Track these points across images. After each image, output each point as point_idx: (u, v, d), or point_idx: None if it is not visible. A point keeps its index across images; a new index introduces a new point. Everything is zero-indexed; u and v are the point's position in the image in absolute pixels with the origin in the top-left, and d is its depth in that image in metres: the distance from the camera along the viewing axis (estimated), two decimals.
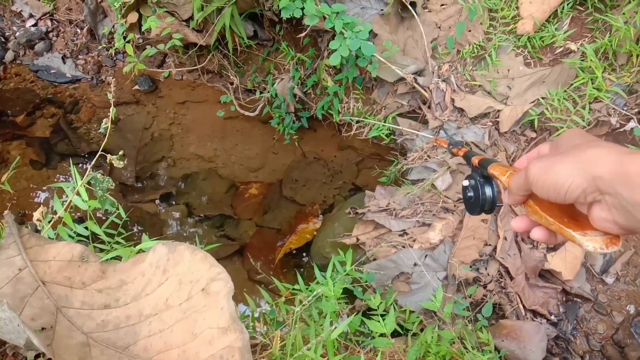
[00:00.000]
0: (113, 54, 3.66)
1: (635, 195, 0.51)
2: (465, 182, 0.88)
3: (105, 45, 3.61)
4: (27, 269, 1.13)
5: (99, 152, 1.36)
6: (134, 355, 1.03)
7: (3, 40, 3.69)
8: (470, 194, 0.86)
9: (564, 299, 2.29)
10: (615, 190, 0.52)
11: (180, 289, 1.10)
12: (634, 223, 0.53)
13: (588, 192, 0.55)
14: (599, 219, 0.56)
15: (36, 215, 1.33)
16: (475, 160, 0.88)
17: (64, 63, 3.64)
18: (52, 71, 3.62)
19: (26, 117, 3.41)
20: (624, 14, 2.35)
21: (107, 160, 1.37)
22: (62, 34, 3.72)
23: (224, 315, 1.00)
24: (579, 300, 2.29)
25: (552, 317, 2.22)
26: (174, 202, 3.10)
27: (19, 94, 3.54)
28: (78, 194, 1.35)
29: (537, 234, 0.68)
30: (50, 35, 3.72)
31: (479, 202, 0.84)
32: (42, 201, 3.06)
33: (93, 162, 1.35)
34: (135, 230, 2.87)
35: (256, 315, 1.77)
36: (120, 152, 1.36)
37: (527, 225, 0.70)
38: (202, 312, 1.03)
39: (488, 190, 0.83)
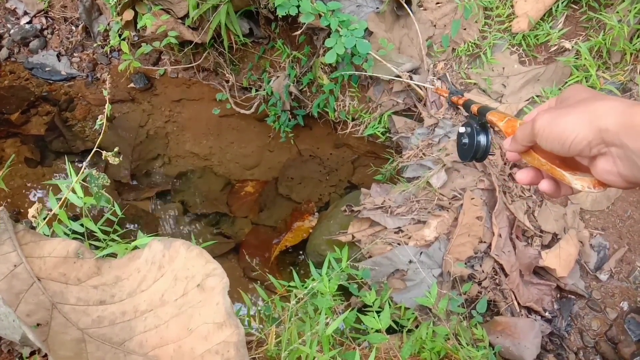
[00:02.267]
0: (108, 52, 3.64)
1: None
2: (462, 129, 0.89)
3: (100, 43, 3.60)
4: (23, 265, 1.13)
5: (94, 149, 1.36)
6: (130, 350, 1.04)
7: None
8: (465, 140, 0.87)
9: (558, 295, 2.31)
10: (622, 141, 0.53)
11: (175, 285, 1.10)
12: (638, 169, 0.54)
13: (593, 144, 0.56)
14: (604, 171, 0.57)
15: (31, 211, 1.33)
16: (474, 108, 0.89)
17: (59, 61, 3.62)
18: (47, 69, 3.60)
19: (21, 115, 3.39)
20: (617, 12, 2.36)
21: (103, 157, 1.37)
22: (57, 32, 3.70)
23: (219, 311, 1.00)
24: (573, 297, 2.30)
25: (547, 314, 2.23)
26: (169, 200, 3.10)
27: (14, 91, 3.52)
28: (73, 190, 1.35)
29: (544, 185, 0.69)
30: (45, 32, 3.71)
31: (473, 148, 0.85)
32: (37, 199, 3.06)
33: (88, 159, 1.35)
34: (130, 228, 2.87)
35: (252, 312, 1.77)
36: (116, 149, 1.36)
37: (532, 177, 0.71)
38: (197, 308, 1.04)
39: (483, 139, 0.85)
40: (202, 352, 0.97)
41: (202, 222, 3.01)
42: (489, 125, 0.86)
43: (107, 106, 1.32)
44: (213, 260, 1.09)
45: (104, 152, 1.35)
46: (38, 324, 1.07)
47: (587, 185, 0.60)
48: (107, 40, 3.55)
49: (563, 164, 0.63)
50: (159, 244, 1.16)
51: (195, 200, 3.08)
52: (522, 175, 0.73)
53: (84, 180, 1.43)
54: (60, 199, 1.44)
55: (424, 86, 2.69)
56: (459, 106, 1.08)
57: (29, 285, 1.12)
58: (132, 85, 3.55)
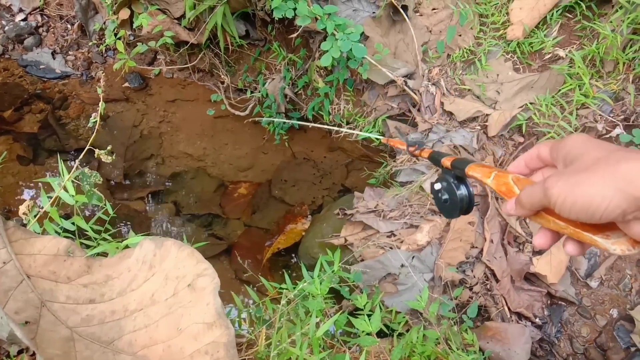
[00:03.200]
0: (103, 51, 3.64)
1: None
2: (437, 185, 0.83)
3: (95, 42, 3.59)
4: (12, 262, 1.12)
5: (87, 147, 1.35)
6: (119, 349, 1.03)
7: None
8: (445, 197, 0.81)
9: (549, 302, 2.32)
10: None
11: (166, 285, 1.10)
12: None
13: (628, 211, 0.51)
14: None
15: (22, 208, 1.32)
16: (446, 162, 0.82)
17: (54, 59, 3.61)
18: (42, 66, 3.59)
19: (14, 112, 3.37)
20: (611, 22, 2.38)
21: (96, 155, 1.37)
22: (52, 29, 3.69)
23: (209, 311, 1.00)
24: (563, 303, 2.31)
25: (537, 320, 2.24)
26: (162, 201, 3.08)
27: (7, 88, 3.50)
28: (65, 188, 1.34)
29: (571, 249, 0.61)
30: (40, 30, 3.69)
31: (457, 204, 0.79)
32: (28, 197, 3.03)
33: (81, 157, 1.35)
34: (122, 228, 2.85)
35: (243, 314, 1.76)
36: (109, 147, 1.36)
37: (552, 239, 0.65)
38: (187, 308, 1.03)
39: (464, 191, 0.79)
40: (192, 352, 0.97)
41: (195, 223, 3.00)
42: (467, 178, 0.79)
43: (101, 104, 1.32)
44: (204, 261, 1.09)
45: (97, 150, 1.34)
46: (27, 322, 1.06)
47: (627, 247, 0.55)
48: (103, 39, 3.54)
49: (587, 226, 0.57)
50: (150, 244, 1.16)
51: (188, 201, 3.07)
52: (542, 241, 0.65)
53: (76, 178, 1.43)
54: (51, 197, 1.43)
55: (418, 91, 2.70)
56: (423, 158, 0.99)
57: (18, 283, 1.11)
58: (126, 84, 3.54)
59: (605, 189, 0.51)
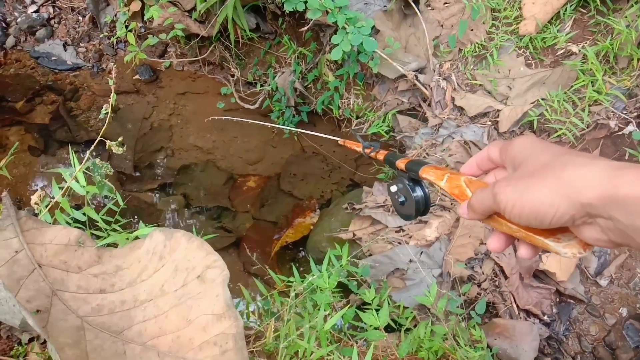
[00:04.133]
0: (114, 43, 3.65)
1: (635, 220, 0.46)
2: (394, 188, 0.82)
3: (107, 34, 3.61)
4: (24, 251, 1.13)
5: (99, 138, 1.36)
6: (129, 339, 1.04)
7: (4, 25, 3.68)
8: (402, 199, 0.80)
9: (558, 299, 2.30)
10: (610, 214, 0.48)
11: (176, 276, 1.10)
12: (633, 240, 0.48)
13: (577, 217, 0.50)
14: (592, 238, 0.52)
15: (34, 198, 1.33)
16: (400, 164, 0.80)
17: (65, 50, 3.63)
18: (53, 58, 3.61)
19: (26, 104, 3.40)
20: (626, 17, 2.35)
21: (107, 147, 1.37)
22: (63, 21, 3.70)
23: (219, 303, 1.00)
24: (572, 301, 2.30)
25: (545, 318, 2.23)
26: (171, 193, 3.10)
27: (19, 80, 3.53)
28: (76, 179, 1.35)
29: (524, 252, 0.60)
30: (52, 22, 3.71)
31: (414, 205, 0.78)
32: (39, 187, 3.06)
33: (92, 148, 1.35)
34: (131, 219, 2.87)
35: (251, 306, 1.77)
36: (120, 139, 1.37)
37: (506, 242, 0.63)
38: (197, 299, 1.04)
39: (419, 192, 0.78)
40: (201, 343, 0.97)
41: (204, 215, 3.01)
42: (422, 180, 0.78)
43: (112, 96, 1.32)
44: (214, 252, 1.09)
45: (108, 142, 1.35)
46: (38, 310, 1.07)
47: (578, 250, 0.54)
48: (114, 31, 3.55)
49: (538, 229, 0.56)
50: (160, 235, 1.16)
51: (197, 194, 3.08)
52: (495, 245, 0.63)
53: (87, 169, 1.44)
54: (63, 187, 1.45)
55: (429, 86, 2.68)
56: (377, 160, 0.97)
57: (29, 272, 1.12)
58: (137, 77, 3.55)
59: (552, 196, 0.50)
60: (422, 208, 0.78)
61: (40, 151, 3.20)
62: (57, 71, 3.59)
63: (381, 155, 0.94)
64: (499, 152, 0.64)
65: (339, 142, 1.32)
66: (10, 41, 3.64)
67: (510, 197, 0.54)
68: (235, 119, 2.42)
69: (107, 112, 1.32)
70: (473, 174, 0.69)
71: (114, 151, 1.34)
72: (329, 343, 1.38)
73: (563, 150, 0.55)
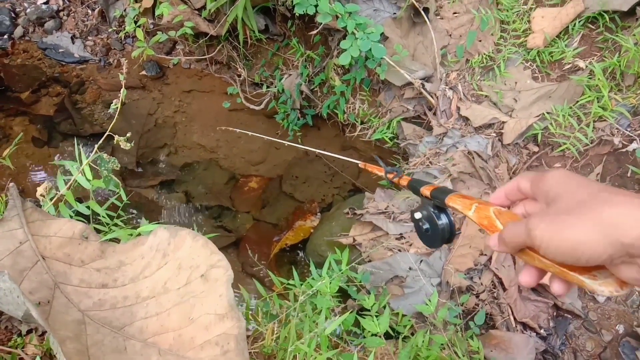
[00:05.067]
0: (123, 38, 3.65)
1: None
2: (418, 214, 0.80)
3: (115, 28, 3.61)
4: (28, 242, 1.13)
5: (107, 132, 1.36)
6: (130, 335, 1.04)
7: (13, 16, 3.68)
8: (426, 226, 0.78)
9: (555, 314, 2.30)
10: None
11: (179, 274, 1.10)
12: None
13: (615, 256, 0.49)
14: (631, 278, 0.51)
15: (40, 190, 1.33)
16: (425, 191, 0.79)
17: (73, 43, 3.63)
18: (61, 50, 3.61)
19: (31, 94, 3.40)
20: (634, 35, 2.36)
21: (115, 142, 1.38)
22: (72, 14, 3.71)
23: (222, 302, 1.00)
24: (569, 316, 2.30)
25: (542, 331, 2.23)
26: (173, 190, 3.10)
27: (26, 70, 3.53)
28: (83, 172, 1.35)
29: (557, 287, 0.59)
30: (61, 14, 3.72)
31: (439, 233, 0.77)
32: (40, 179, 3.06)
33: (100, 142, 1.36)
34: (133, 214, 2.87)
35: (250, 308, 1.77)
36: (128, 134, 1.37)
37: (538, 277, 0.62)
38: (200, 298, 1.04)
39: (444, 220, 0.77)
40: (202, 342, 0.97)
41: (204, 214, 3.01)
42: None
43: (123, 91, 1.33)
44: (218, 252, 1.09)
45: (116, 137, 1.35)
46: (39, 303, 1.07)
47: (614, 289, 0.53)
48: (123, 26, 3.56)
49: (573, 266, 0.54)
50: (164, 232, 1.16)
51: (199, 192, 3.09)
52: (528, 279, 0.62)
53: (93, 162, 1.44)
54: (67, 180, 1.45)
55: (435, 95, 2.69)
56: (401, 186, 0.95)
57: (33, 263, 1.12)
58: (144, 72, 3.55)
59: (590, 235, 0.50)
60: (447, 236, 0.77)
61: (43, 142, 3.20)
62: (63, 63, 3.59)
63: (404, 181, 0.93)
64: (529, 184, 0.63)
65: (359, 165, 1.30)
66: (18, 31, 3.65)
67: (546, 234, 0.53)
68: (250, 133, 2.41)
69: (117, 107, 1.32)
70: (501, 205, 0.68)
71: (122, 146, 1.35)
72: (328, 348, 1.38)
73: (600, 187, 0.55)
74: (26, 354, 1.18)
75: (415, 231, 0.82)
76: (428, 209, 0.78)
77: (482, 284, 2.21)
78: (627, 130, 2.36)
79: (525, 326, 2.23)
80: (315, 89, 3.24)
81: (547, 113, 2.51)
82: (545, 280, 0.62)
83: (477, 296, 2.21)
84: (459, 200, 0.71)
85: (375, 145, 3.14)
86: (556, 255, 0.53)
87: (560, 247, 0.52)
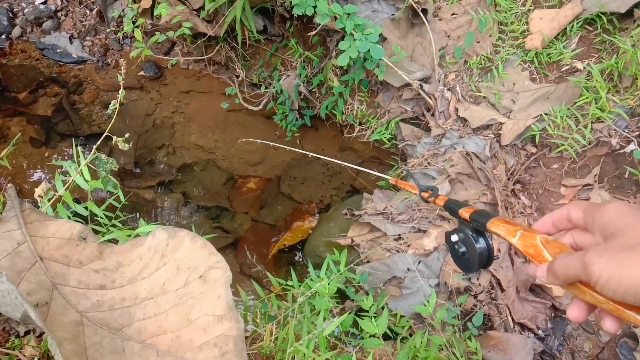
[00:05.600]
0: (121, 38, 3.65)
1: None
2: (454, 237, 0.77)
3: (113, 29, 3.61)
4: (26, 243, 1.13)
5: (105, 133, 1.36)
6: (128, 337, 1.04)
7: (11, 15, 3.68)
8: (463, 249, 0.76)
9: (553, 314, 2.31)
10: None
11: (177, 275, 1.10)
12: None
13: None
14: None
15: (38, 191, 1.33)
16: (464, 213, 0.76)
17: (71, 43, 3.63)
18: (58, 50, 3.61)
19: (29, 95, 3.40)
20: (631, 37, 2.37)
21: (113, 142, 1.37)
22: (71, 14, 3.71)
23: (220, 304, 1.00)
24: (567, 317, 2.30)
25: (540, 332, 2.23)
26: (171, 190, 3.10)
27: (24, 70, 3.53)
28: (81, 173, 1.35)
29: (610, 325, 0.56)
30: (59, 14, 3.71)
31: (476, 258, 0.74)
32: (38, 180, 3.05)
33: (99, 142, 1.35)
34: (130, 215, 2.86)
35: (248, 310, 1.77)
36: (127, 135, 1.37)
37: (587, 311, 0.59)
38: (198, 299, 1.04)
39: (483, 243, 0.74)
40: (201, 343, 0.97)
41: (202, 214, 3.01)
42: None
43: (121, 92, 1.32)
44: (217, 253, 1.09)
45: (114, 138, 1.35)
46: (37, 304, 1.07)
47: None
48: (121, 27, 3.55)
49: (629, 304, 0.52)
50: (163, 233, 1.16)
51: (197, 193, 3.08)
52: (577, 314, 0.59)
53: (91, 163, 1.43)
54: (65, 180, 1.44)
55: (433, 96, 2.69)
56: (437, 205, 0.91)
57: (31, 265, 1.12)
58: (142, 73, 3.55)
59: None
60: (485, 261, 0.74)
61: (41, 143, 3.20)
62: (61, 64, 3.59)
63: (441, 200, 0.89)
64: (582, 214, 0.61)
65: (390, 181, 1.27)
66: (16, 31, 3.64)
67: (606, 270, 0.50)
68: (271, 143, 2.41)
69: (115, 108, 1.32)
70: (547, 232, 0.65)
71: (120, 147, 1.34)
72: (326, 349, 1.38)
73: None
74: (24, 356, 1.18)
75: (449, 254, 0.80)
76: (465, 232, 0.75)
77: (480, 285, 2.22)
78: (624, 131, 2.37)
79: (523, 327, 2.23)
80: (314, 90, 3.24)
81: (545, 114, 2.51)
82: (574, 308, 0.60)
83: (475, 297, 2.21)
84: (502, 226, 0.68)
85: (374, 146, 3.15)
86: (615, 293, 0.51)
87: (621, 285, 0.50)
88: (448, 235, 0.79)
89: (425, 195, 0.97)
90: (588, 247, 0.59)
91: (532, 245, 0.62)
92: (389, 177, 1.28)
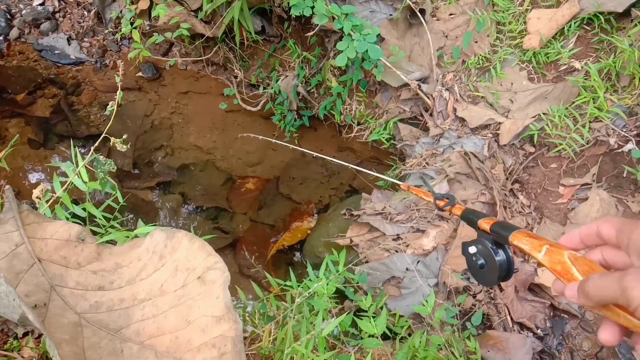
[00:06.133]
0: (119, 39, 3.65)
1: None
2: (472, 249, 0.75)
3: (111, 30, 3.61)
4: (24, 245, 1.13)
5: (103, 134, 1.36)
6: (126, 338, 1.04)
7: (9, 17, 3.67)
8: (481, 261, 0.73)
9: (552, 314, 2.31)
10: None
11: (176, 276, 1.10)
12: None
13: None
14: None
15: (36, 192, 1.33)
16: (484, 225, 0.73)
17: (69, 44, 3.63)
18: (56, 52, 3.60)
19: (27, 96, 3.39)
20: (629, 36, 2.37)
21: (111, 144, 1.37)
22: (68, 15, 3.70)
23: (218, 305, 1.00)
24: (566, 316, 2.31)
25: (539, 331, 2.23)
26: (169, 191, 3.10)
27: (22, 72, 3.52)
28: (79, 174, 1.35)
29: None
30: (57, 15, 3.71)
31: (496, 271, 0.71)
32: (37, 181, 3.05)
33: (97, 144, 1.35)
34: (129, 216, 2.86)
35: (248, 310, 1.77)
36: (124, 136, 1.37)
37: (620, 334, 0.56)
38: (197, 300, 1.04)
39: (502, 256, 0.71)
40: (199, 344, 0.97)
41: (201, 215, 3.01)
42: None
43: (119, 93, 1.32)
44: (215, 254, 1.09)
45: (112, 139, 1.35)
46: (36, 305, 1.07)
47: None
48: (119, 28, 3.55)
49: None
50: (161, 234, 1.16)
51: (196, 193, 3.08)
52: (609, 337, 0.55)
53: (89, 164, 1.43)
54: (64, 182, 1.44)
55: (431, 96, 2.69)
56: (454, 215, 0.88)
57: (29, 266, 1.12)
58: (140, 74, 3.55)
59: None
60: (504, 274, 0.72)
61: (39, 144, 3.19)
62: (59, 65, 3.59)
63: (458, 210, 0.87)
64: (615, 232, 0.58)
65: (401, 186, 1.24)
66: (14, 33, 3.63)
67: None
68: (274, 140, 2.39)
69: (113, 109, 1.32)
70: (574, 248, 0.62)
71: (118, 148, 1.34)
72: (325, 349, 1.38)
73: None
74: (22, 357, 1.17)
75: (467, 266, 0.76)
76: (485, 244, 0.73)
77: (479, 285, 2.22)
78: (622, 130, 2.37)
79: (522, 326, 2.24)
80: (312, 90, 3.24)
81: (543, 114, 2.52)
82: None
83: (474, 297, 2.21)
84: (525, 240, 0.64)
85: (372, 147, 3.15)
86: None
87: None
88: (465, 246, 0.77)
89: (441, 203, 0.94)
90: (622, 267, 0.57)
91: (560, 262, 0.60)
92: (401, 183, 1.26)
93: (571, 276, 0.58)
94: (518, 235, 0.66)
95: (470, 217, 0.79)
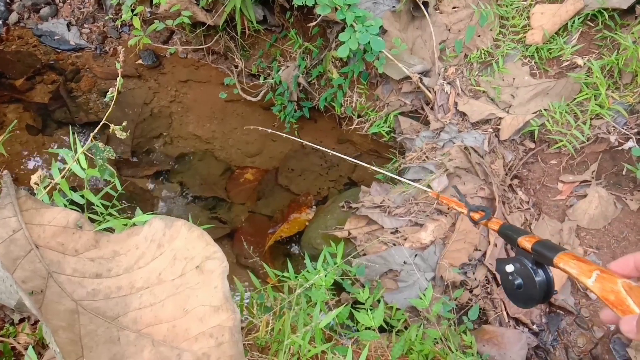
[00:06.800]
0: (119, 26, 3.62)
1: None
2: (510, 267, 0.70)
3: (112, 16, 3.58)
4: (22, 231, 1.12)
5: (103, 121, 1.35)
6: (123, 326, 1.03)
7: (8, 1, 3.64)
8: (518, 281, 0.69)
9: (547, 310, 2.32)
10: None
11: (174, 265, 1.10)
12: None
13: None
14: None
15: (34, 178, 1.32)
16: (525, 243, 0.68)
17: (69, 30, 3.60)
18: (56, 37, 3.57)
19: (26, 81, 3.37)
20: (633, 33, 2.36)
21: (111, 131, 1.36)
22: (69, 1, 3.67)
23: (217, 294, 1.00)
24: (561, 312, 2.31)
25: (534, 327, 2.24)
26: (167, 180, 3.09)
27: (20, 57, 3.50)
28: (77, 161, 1.34)
29: None
30: (57, 0, 3.67)
31: (536, 292, 0.67)
32: (35, 167, 3.04)
33: (96, 131, 1.34)
34: (126, 204, 2.85)
35: (244, 299, 1.77)
36: (124, 123, 1.35)
37: None
38: (195, 289, 1.03)
39: (542, 276, 0.67)
40: (197, 333, 0.97)
41: (199, 205, 3.00)
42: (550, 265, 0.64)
43: (119, 80, 1.31)
44: (214, 243, 1.09)
45: (112, 126, 1.34)
46: (32, 292, 1.06)
47: None
48: (119, 14, 3.52)
49: None
50: (160, 222, 1.16)
51: (194, 183, 3.07)
52: None
53: (88, 151, 1.42)
54: (62, 168, 1.43)
55: (433, 89, 2.68)
56: (490, 229, 0.81)
57: (26, 252, 1.11)
58: (140, 61, 3.52)
59: None
60: (543, 295, 0.68)
61: (37, 130, 3.18)
62: (59, 51, 3.56)
63: (495, 224, 0.82)
64: None
65: (430, 194, 1.18)
66: (13, 17, 3.60)
67: None
68: (284, 135, 2.39)
69: (113, 96, 1.31)
70: (627, 275, 0.57)
71: (118, 136, 1.33)
72: (322, 341, 1.38)
73: None
74: (19, 343, 1.17)
75: (501, 284, 0.73)
76: (524, 263, 0.68)
77: (476, 279, 2.22)
78: (623, 128, 2.37)
79: (517, 322, 2.24)
80: (313, 82, 3.22)
81: (545, 110, 2.51)
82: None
83: (471, 291, 2.22)
84: (573, 263, 0.60)
85: (372, 139, 3.14)
86: None
87: None
88: (501, 264, 0.73)
89: (476, 216, 0.89)
90: None
91: (613, 291, 0.55)
92: (430, 191, 1.21)
93: (627, 308, 0.53)
94: (564, 257, 0.62)
95: (508, 234, 0.75)
